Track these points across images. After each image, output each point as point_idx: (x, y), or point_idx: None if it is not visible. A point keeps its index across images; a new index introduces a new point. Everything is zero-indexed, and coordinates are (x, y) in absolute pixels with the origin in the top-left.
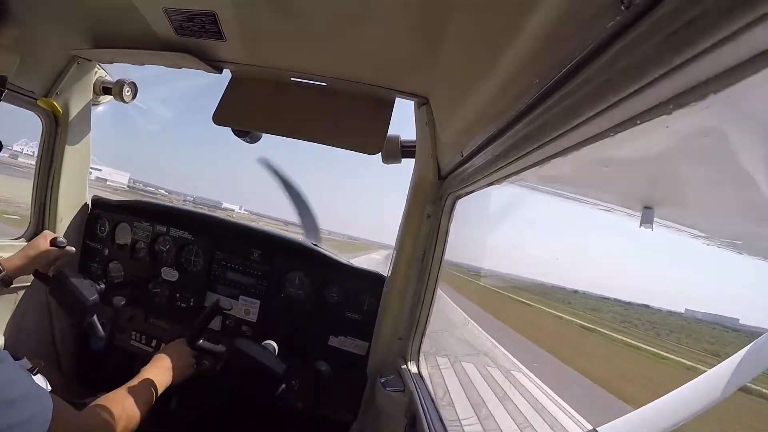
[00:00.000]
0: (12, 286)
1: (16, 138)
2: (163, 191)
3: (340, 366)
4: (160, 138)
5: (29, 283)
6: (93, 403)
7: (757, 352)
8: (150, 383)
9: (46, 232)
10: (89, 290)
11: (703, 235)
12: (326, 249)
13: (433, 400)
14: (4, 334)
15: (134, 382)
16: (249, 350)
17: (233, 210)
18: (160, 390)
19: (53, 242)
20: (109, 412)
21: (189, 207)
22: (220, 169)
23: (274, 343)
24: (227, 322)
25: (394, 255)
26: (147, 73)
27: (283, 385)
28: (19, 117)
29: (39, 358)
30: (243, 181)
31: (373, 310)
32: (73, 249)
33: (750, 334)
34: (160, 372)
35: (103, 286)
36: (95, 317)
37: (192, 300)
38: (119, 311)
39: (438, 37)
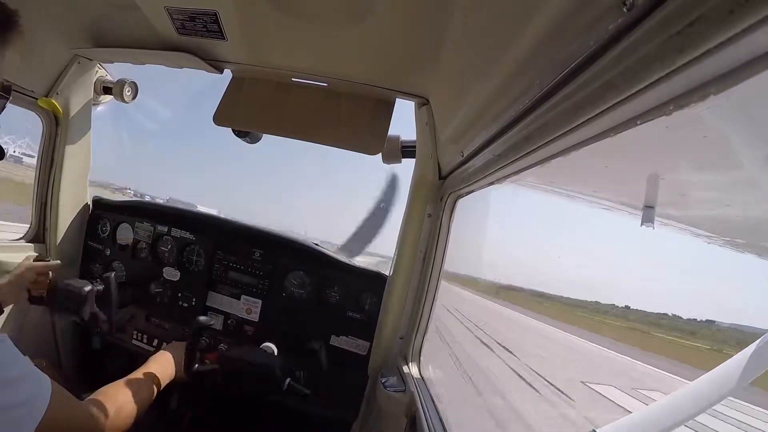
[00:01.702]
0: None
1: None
2: (130, 191)
3: (341, 366)
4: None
5: None
6: (94, 393)
7: (760, 352)
8: (152, 377)
9: (28, 254)
10: (80, 282)
11: (704, 234)
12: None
13: (433, 401)
14: (5, 333)
15: (136, 375)
16: (241, 355)
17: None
18: (163, 384)
19: (37, 259)
20: (110, 401)
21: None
22: (199, 172)
23: (272, 345)
24: (229, 322)
25: (396, 254)
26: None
27: (288, 379)
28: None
29: (40, 357)
30: (223, 186)
31: (374, 310)
32: (58, 261)
33: None
34: (162, 367)
35: (101, 287)
36: (96, 308)
37: (194, 300)
38: (111, 282)
39: (439, 38)
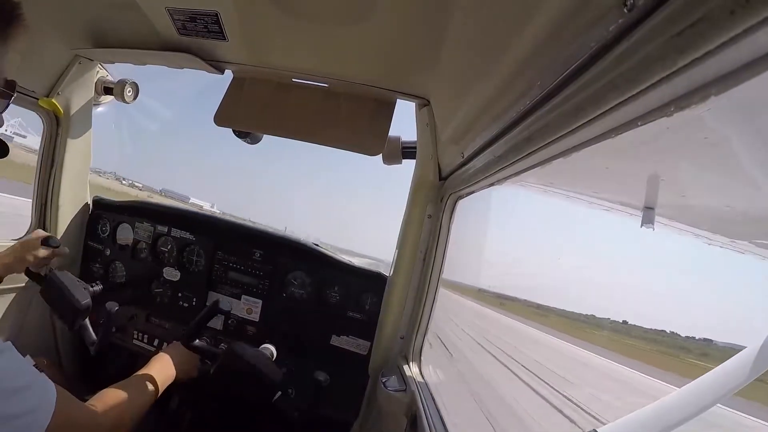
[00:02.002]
0: (14, 285)
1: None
2: (111, 173)
3: (342, 366)
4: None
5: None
6: (96, 395)
7: (762, 350)
8: (153, 379)
9: (38, 230)
10: (81, 293)
11: (704, 235)
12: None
13: (434, 400)
14: (6, 332)
15: (137, 377)
16: (245, 354)
17: (202, 206)
18: (164, 385)
19: (45, 241)
20: (112, 404)
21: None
22: (194, 165)
23: (272, 347)
24: (229, 322)
25: (396, 255)
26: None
27: (279, 393)
28: None
29: (41, 356)
30: (218, 181)
31: (374, 310)
32: (66, 249)
33: None
34: (163, 368)
35: (99, 287)
36: (87, 321)
37: (194, 300)
38: (111, 316)
39: (439, 39)
